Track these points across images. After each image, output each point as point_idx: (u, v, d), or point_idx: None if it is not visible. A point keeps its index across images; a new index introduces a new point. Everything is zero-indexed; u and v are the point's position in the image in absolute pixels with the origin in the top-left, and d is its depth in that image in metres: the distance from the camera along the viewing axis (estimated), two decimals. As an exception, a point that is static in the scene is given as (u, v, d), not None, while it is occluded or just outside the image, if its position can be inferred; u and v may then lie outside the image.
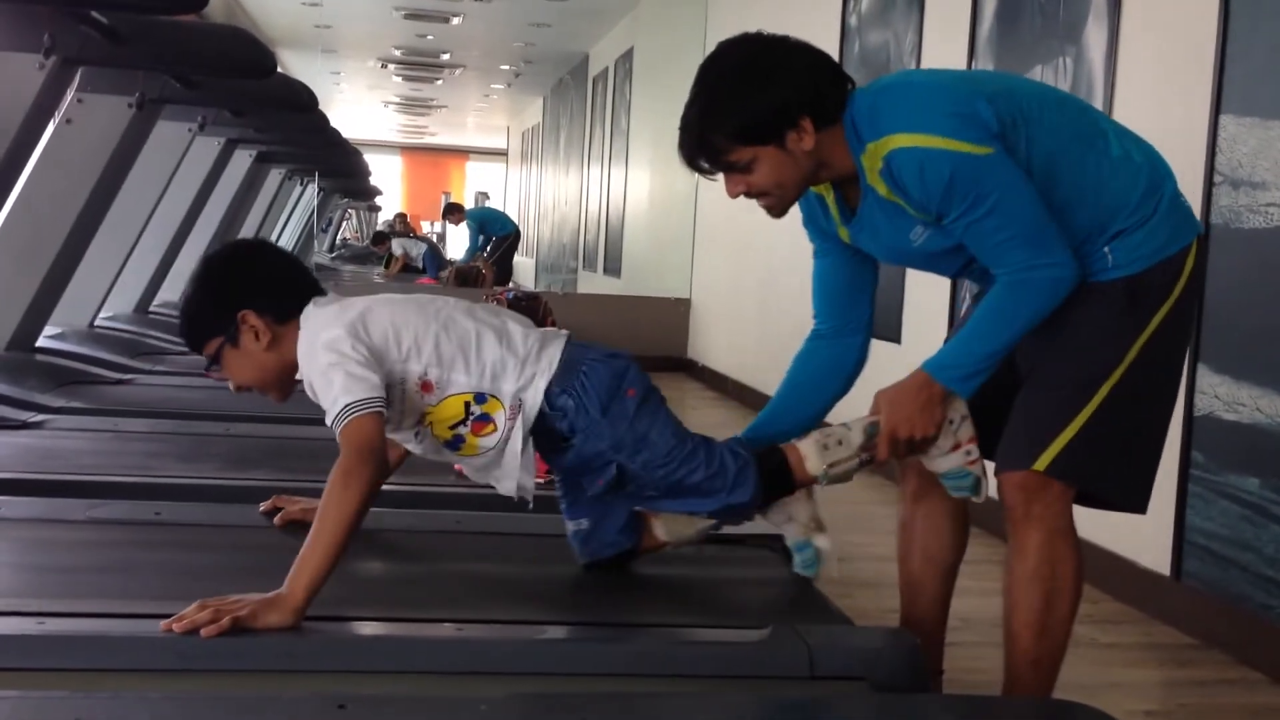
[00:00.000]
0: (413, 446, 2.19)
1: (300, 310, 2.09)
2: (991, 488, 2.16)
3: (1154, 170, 2.08)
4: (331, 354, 1.98)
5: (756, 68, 2.03)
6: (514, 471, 2.12)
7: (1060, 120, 2.07)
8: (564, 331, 2.19)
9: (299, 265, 2.23)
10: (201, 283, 2.14)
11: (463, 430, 2.11)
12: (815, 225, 2.23)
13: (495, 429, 2.11)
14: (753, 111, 2.00)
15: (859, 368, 2.27)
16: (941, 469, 2.16)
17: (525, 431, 2.10)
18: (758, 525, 2.31)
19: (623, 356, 2.17)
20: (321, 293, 2.14)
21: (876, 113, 2.03)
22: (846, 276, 2.25)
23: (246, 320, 2.07)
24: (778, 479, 2.17)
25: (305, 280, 2.17)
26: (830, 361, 2.27)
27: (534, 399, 2.10)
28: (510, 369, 2.10)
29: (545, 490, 2.22)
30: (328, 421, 1.96)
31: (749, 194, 2.08)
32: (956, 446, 2.13)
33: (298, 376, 2.11)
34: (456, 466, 2.48)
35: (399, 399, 2.07)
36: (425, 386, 2.08)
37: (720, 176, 2.08)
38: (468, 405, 2.10)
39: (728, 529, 2.31)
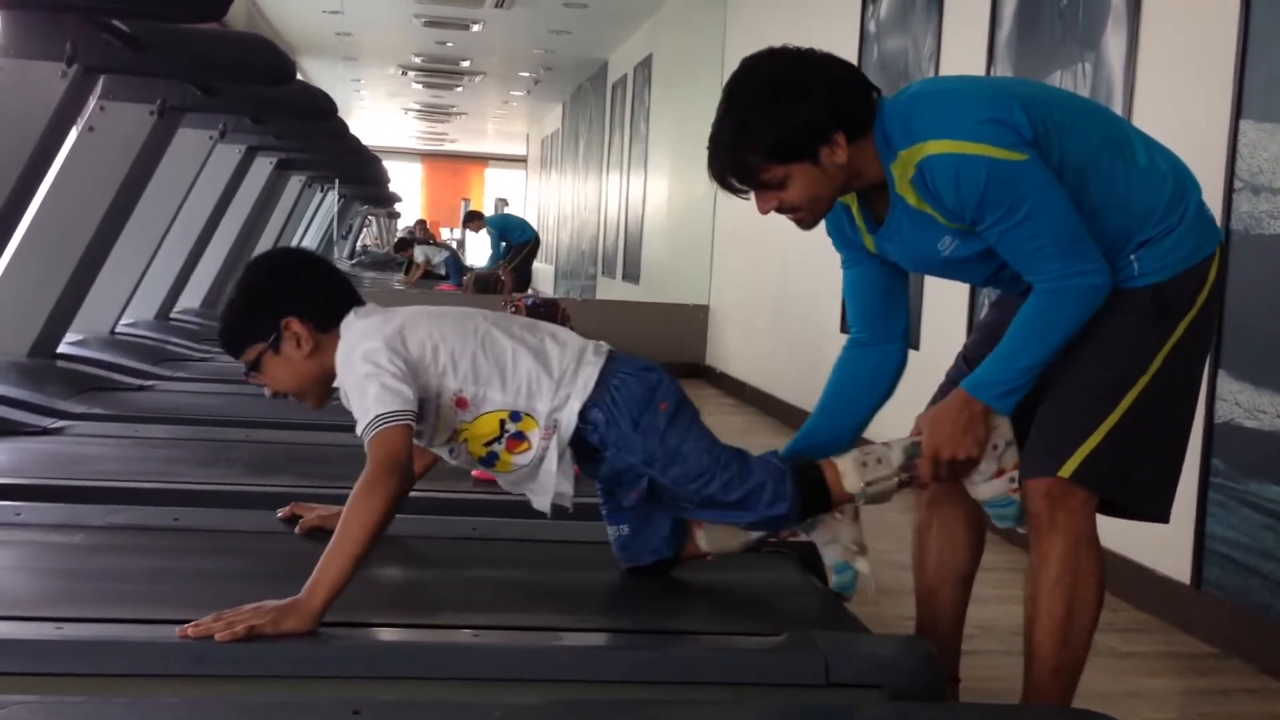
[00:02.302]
0: (449, 459, 2.19)
1: (341, 319, 2.10)
2: None
3: (1179, 180, 2.08)
4: (368, 365, 1.99)
5: (787, 84, 2.01)
6: (548, 489, 2.13)
7: (1090, 128, 2.07)
8: (605, 345, 2.18)
9: (340, 275, 2.23)
10: (245, 288, 2.15)
11: (497, 448, 2.11)
12: (841, 236, 2.23)
13: (530, 447, 2.11)
14: (787, 129, 1.99)
15: (899, 374, 2.25)
16: (984, 495, 2.12)
17: (560, 449, 2.11)
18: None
19: (656, 369, 2.17)
20: (361, 303, 2.15)
21: (910, 120, 2.02)
22: (878, 285, 2.23)
23: (290, 327, 2.08)
24: (814, 494, 2.15)
25: (346, 290, 2.18)
26: (870, 369, 2.26)
27: (569, 419, 2.10)
28: (545, 389, 2.09)
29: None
30: (358, 431, 1.97)
31: (780, 210, 2.07)
32: (1000, 473, 2.09)
33: (335, 385, 2.12)
34: (475, 472, 2.47)
35: (433, 414, 2.08)
36: (460, 402, 2.08)
37: (750, 194, 2.07)
38: (503, 423, 2.10)
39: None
